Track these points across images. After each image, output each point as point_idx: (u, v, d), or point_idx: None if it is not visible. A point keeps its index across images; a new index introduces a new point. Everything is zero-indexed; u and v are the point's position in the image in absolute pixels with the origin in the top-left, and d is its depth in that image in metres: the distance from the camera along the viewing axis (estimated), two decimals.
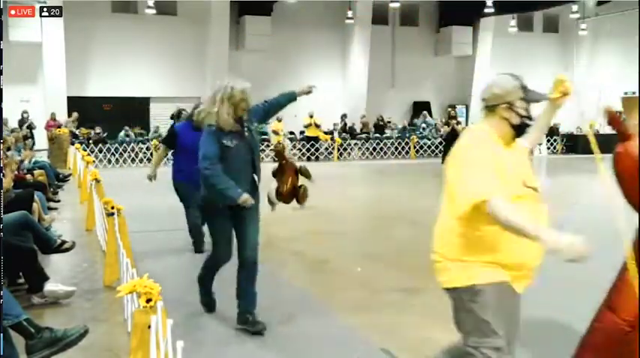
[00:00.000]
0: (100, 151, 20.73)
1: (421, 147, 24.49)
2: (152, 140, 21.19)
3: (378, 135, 25.36)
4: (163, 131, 20.99)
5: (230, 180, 4.45)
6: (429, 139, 24.67)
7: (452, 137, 16.81)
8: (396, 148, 24.43)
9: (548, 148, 25.88)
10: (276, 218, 9.18)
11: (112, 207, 5.88)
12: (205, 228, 7.30)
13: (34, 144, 18.68)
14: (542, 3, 27.43)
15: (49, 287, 5.28)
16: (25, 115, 21.39)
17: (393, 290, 5.84)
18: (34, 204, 7.13)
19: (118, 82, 24.23)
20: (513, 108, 2.81)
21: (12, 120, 19.75)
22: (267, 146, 20.21)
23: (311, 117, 22.54)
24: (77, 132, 21.66)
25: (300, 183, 4.88)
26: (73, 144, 19.42)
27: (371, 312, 5.21)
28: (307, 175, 5.05)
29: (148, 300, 2.73)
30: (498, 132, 2.84)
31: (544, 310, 4.80)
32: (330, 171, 18.49)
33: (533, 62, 29.01)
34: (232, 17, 25.46)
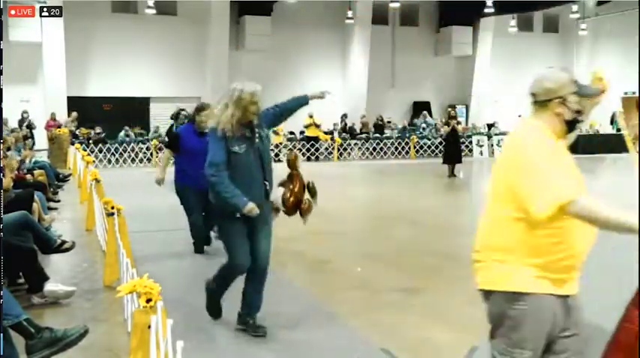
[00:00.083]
0: (100, 151, 20.74)
1: (421, 147, 24.50)
2: (152, 140, 21.20)
3: (378, 135, 25.37)
4: (163, 131, 21.03)
5: (235, 188, 4.28)
6: (429, 139, 24.68)
7: (452, 137, 16.83)
8: (396, 148, 24.43)
9: None
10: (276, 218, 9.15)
11: (112, 207, 5.88)
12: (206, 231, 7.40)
13: (34, 144, 18.70)
14: (542, 3, 27.43)
15: (49, 287, 5.28)
16: (25, 115, 21.40)
17: (393, 290, 5.84)
18: (34, 204, 7.13)
19: (118, 82, 24.24)
20: (566, 103, 2.66)
21: (12, 120, 19.76)
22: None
23: (311, 117, 22.54)
24: (77, 132, 21.67)
25: (305, 197, 4.84)
26: (73, 144, 19.43)
27: (371, 312, 5.21)
28: (314, 194, 4.99)
29: (148, 300, 2.73)
30: (551, 128, 2.67)
31: None
32: (330, 171, 18.50)
33: (533, 62, 28.99)
34: (232, 17, 25.47)
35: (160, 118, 23.90)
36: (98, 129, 21.90)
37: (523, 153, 2.61)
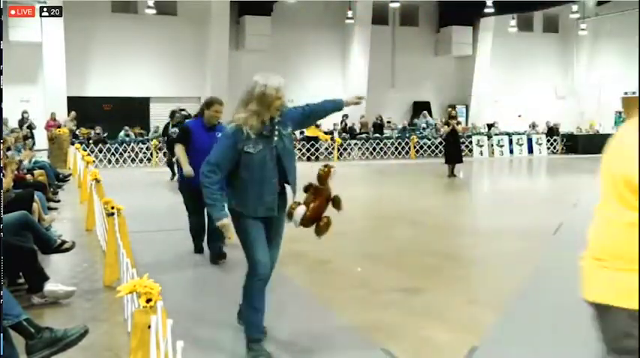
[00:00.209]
0: (100, 151, 20.74)
1: (421, 147, 24.50)
2: (152, 140, 21.20)
3: (378, 135, 25.37)
4: None
5: (220, 196, 3.92)
6: (429, 139, 24.69)
7: (452, 137, 16.82)
8: (396, 148, 24.44)
9: (548, 148, 25.89)
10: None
11: (112, 207, 5.88)
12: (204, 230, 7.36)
13: (34, 144, 18.71)
14: (542, 3, 27.45)
15: (49, 287, 5.27)
16: (25, 115, 21.41)
17: (393, 290, 5.83)
18: (34, 204, 7.13)
19: (117, 82, 24.26)
20: None
21: (12, 120, 19.75)
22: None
23: None
24: (77, 132, 21.67)
25: (325, 214, 4.69)
26: (73, 144, 19.43)
27: (371, 312, 5.21)
28: (338, 206, 4.91)
29: (148, 300, 2.73)
30: None
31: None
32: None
33: (533, 62, 29.06)
34: (232, 17, 25.49)
35: (160, 118, 23.87)
36: (98, 129, 21.91)
37: None
